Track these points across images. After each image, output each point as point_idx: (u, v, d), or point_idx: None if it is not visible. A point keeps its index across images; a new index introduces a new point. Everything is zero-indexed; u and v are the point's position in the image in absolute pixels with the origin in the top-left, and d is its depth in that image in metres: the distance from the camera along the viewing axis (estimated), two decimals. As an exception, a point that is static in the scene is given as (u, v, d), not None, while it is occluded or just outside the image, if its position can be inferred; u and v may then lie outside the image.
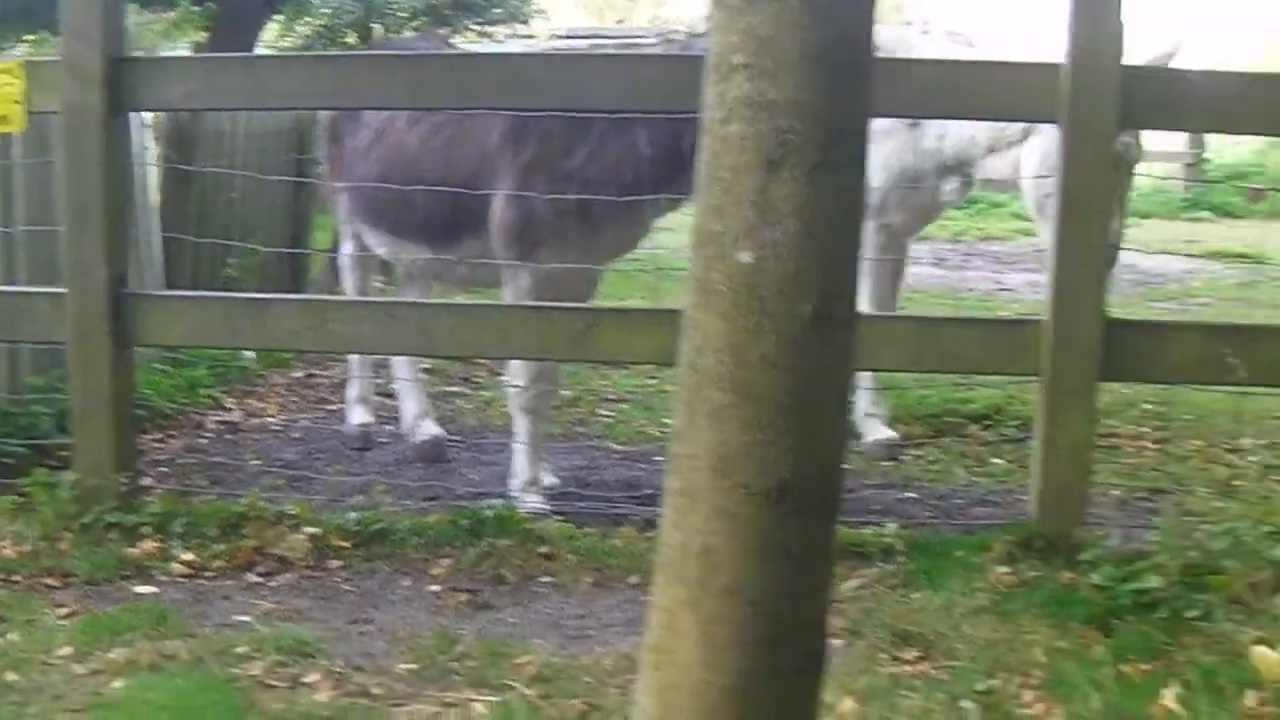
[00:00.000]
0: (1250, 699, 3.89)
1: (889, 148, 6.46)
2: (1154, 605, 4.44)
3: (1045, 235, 6.15)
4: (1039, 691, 3.93)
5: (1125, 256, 13.47)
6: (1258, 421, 7.54)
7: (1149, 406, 7.76)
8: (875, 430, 6.70)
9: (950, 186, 6.59)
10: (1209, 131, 5.20)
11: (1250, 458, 6.81)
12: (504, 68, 5.42)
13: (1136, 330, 5.05)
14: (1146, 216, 17.35)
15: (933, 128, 6.43)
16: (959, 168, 6.49)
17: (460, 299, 6.74)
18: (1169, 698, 3.83)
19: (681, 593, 2.42)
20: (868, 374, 6.64)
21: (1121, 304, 11.80)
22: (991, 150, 6.38)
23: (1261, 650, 4.11)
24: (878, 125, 6.35)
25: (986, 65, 5.17)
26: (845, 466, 2.40)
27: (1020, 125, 6.18)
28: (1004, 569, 4.71)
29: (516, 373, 5.87)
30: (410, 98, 5.40)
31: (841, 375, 2.41)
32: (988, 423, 7.10)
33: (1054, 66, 4.80)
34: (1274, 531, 5.01)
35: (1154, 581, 4.52)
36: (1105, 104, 4.74)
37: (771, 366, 2.30)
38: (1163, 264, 14.11)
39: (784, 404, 2.31)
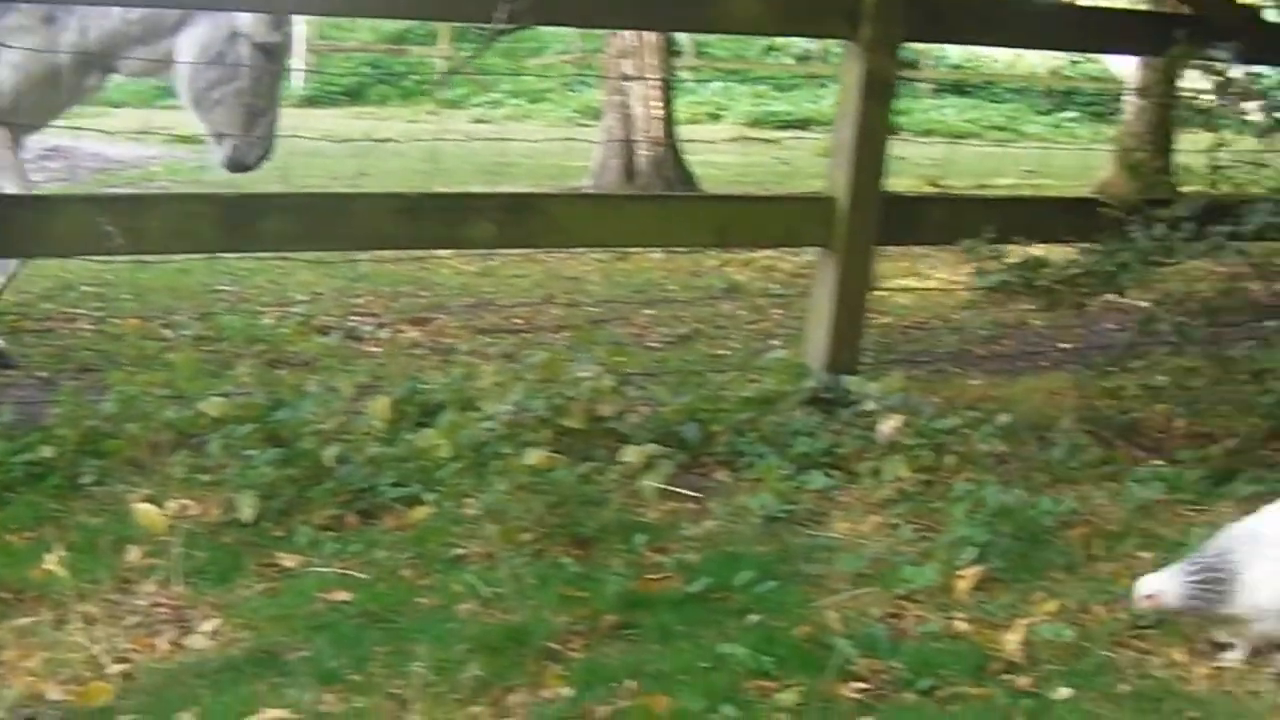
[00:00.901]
0: (133, 553, 4.08)
1: (27, 45, 6.02)
2: (47, 475, 4.55)
3: (204, 127, 6.25)
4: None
5: (91, 144, 13.44)
6: (194, 296, 7.81)
7: (89, 289, 7.82)
8: None
9: (91, 81, 6.25)
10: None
11: (184, 331, 7.02)
12: None
13: (25, 206, 5.10)
14: (119, 105, 17.29)
15: (73, 21, 6.07)
16: (103, 60, 6.11)
17: None
18: (51, 561, 3.91)
19: None
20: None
21: (71, 189, 11.79)
22: (142, 41, 6.14)
23: (145, 507, 4.32)
24: (10, 22, 5.98)
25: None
26: None
27: (174, 15, 6.04)
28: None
29: None
30: None
31: None
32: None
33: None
34: (174, 395, 5.23)
35: (47, 452, 4.63)
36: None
37: None
38: (129, 150, 14.22)
39: None
